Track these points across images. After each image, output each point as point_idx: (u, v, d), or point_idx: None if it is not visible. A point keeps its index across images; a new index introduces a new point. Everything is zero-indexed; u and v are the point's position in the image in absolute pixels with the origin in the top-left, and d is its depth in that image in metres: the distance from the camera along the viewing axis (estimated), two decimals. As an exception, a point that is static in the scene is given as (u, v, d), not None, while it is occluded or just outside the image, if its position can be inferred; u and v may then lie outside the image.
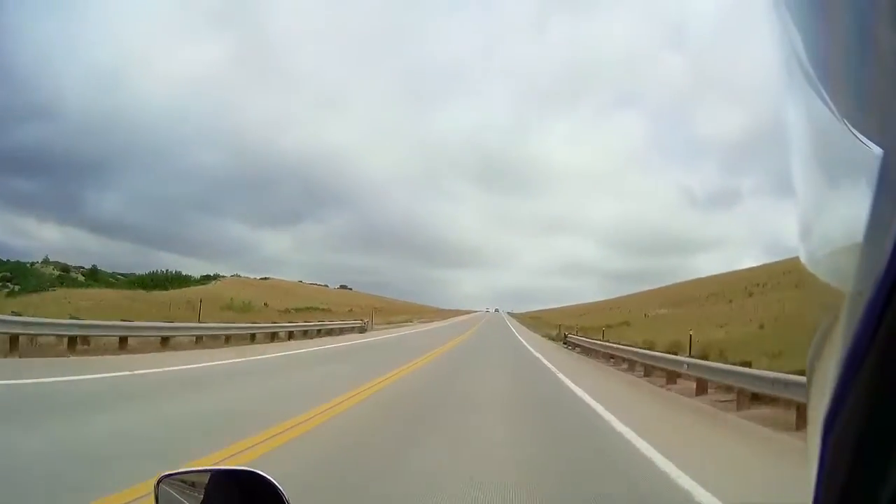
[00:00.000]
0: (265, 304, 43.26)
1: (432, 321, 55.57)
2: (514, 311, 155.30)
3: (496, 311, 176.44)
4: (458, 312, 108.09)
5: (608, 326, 32.61)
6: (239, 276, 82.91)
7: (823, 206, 0.37)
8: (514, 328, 50.36)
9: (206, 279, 69.56)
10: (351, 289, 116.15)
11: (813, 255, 0.37)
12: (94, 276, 71.11)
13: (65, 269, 72.56)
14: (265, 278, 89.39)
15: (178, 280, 63.91)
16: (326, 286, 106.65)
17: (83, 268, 75.49)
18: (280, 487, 0.75)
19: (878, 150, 0.28)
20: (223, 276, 76.05)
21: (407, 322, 47.01)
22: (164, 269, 69.50)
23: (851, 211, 0.31)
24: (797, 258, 0.38)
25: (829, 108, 0.31)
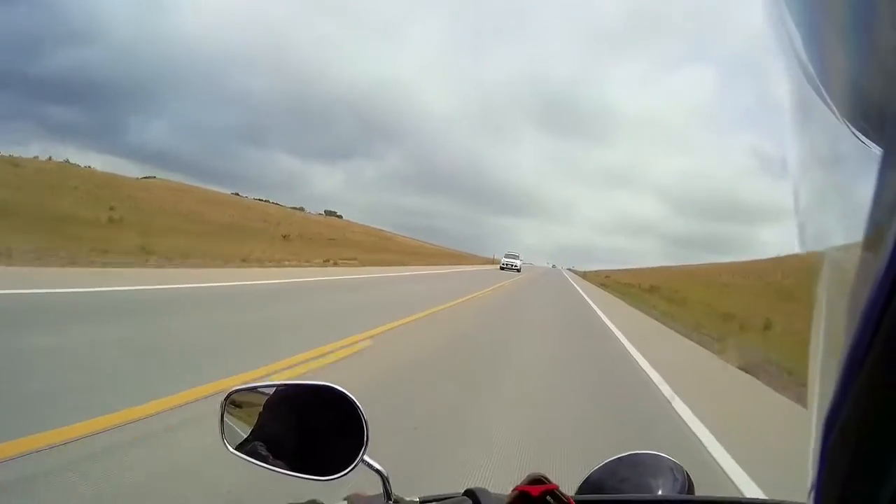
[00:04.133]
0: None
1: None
2: (576, 269, 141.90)
3: (553, 266, 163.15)
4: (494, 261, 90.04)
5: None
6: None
7: (823, 206, 0.37)
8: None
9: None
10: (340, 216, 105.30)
11: (812, 255, 0.37)
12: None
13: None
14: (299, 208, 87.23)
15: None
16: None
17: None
18: (354, 399, 0.73)
19: (878, 150, 0.28)
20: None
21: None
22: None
23: (851, 211, 0.31)
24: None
25: (829, 108, 0.31)
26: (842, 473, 0.32)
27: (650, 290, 29.49)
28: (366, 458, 0.73)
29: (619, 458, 0.98)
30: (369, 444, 0.73)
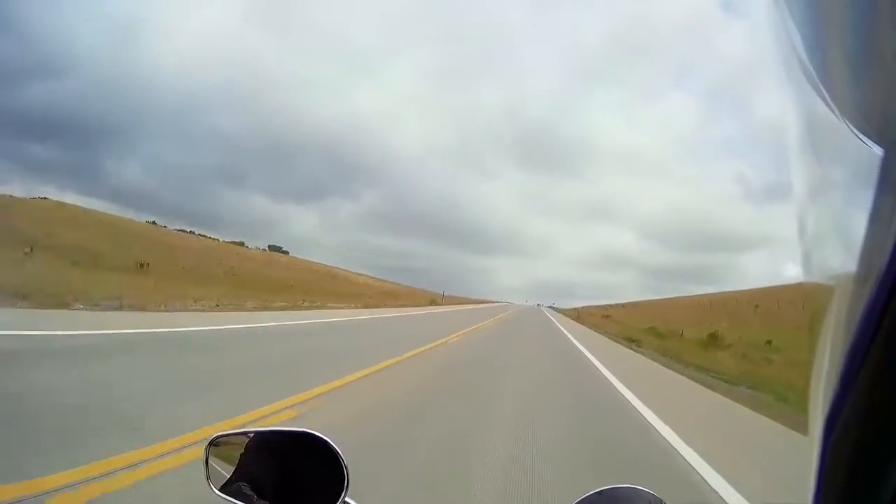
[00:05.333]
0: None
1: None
2: (558, 306, 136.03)
3: (537, 305, 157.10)
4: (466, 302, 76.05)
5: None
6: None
7: (823, 206, 0.37)
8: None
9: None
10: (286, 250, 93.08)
11: (812, 255, 0.37)
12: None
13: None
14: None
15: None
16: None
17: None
18: (334, 445, 0.75)
19: (878, 150, 0.29)
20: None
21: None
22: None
23: (852, 211, 0.31)
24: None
25: (830, 108, 0.32)
26: (842, 473, 0.32)
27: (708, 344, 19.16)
28: (347, 500, 0.74)
29: (598, 492, 0.96)
30: (350, 486, 0.74)
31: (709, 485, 3.53)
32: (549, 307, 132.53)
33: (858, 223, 0.30)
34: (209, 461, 0.82)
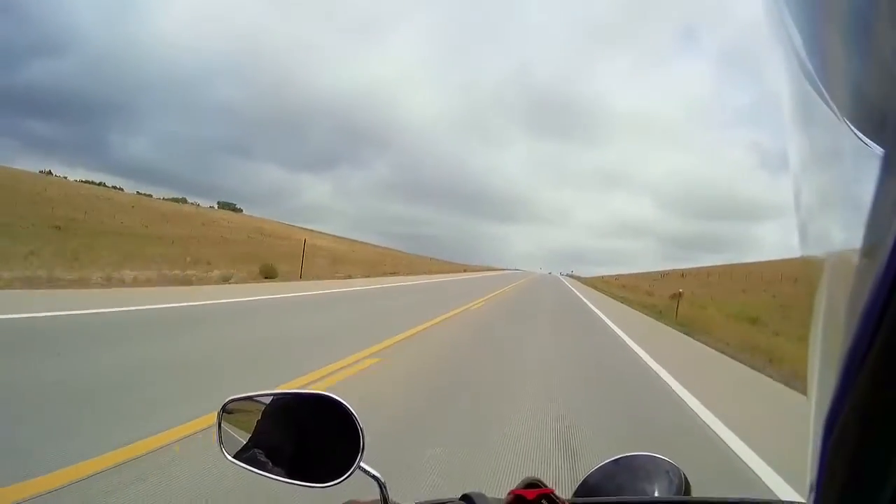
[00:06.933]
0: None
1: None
2: (578, 275, 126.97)
3: (549, 273, 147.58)
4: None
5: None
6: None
7: (823, 206, 0.37)
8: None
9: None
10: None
11: (812, 255, 0.38)
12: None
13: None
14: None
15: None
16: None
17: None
18: (350, 407, 0.75)
19: (878, 150, 0.29)
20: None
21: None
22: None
23: (852, 211, 0.31)
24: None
25: (830, 108, 0.32)
26: (842, 473, 0.32)
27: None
28: (362, 464, 0.73)
29: (615, 459, 0.98)
30: (365, 450, 0.74)
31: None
32: (568, 275, 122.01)
33: (858, 223, 0.30)
34: (222, 427, 0.82)
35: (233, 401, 0.85)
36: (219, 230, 40.95)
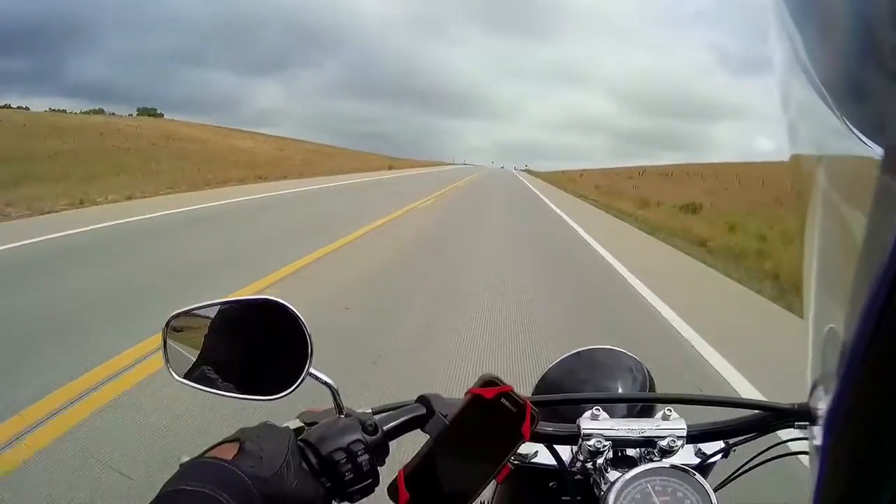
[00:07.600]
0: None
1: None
2: (533, 169, 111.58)
3: (502, 167, 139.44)
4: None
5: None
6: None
7: (823, 206, 0.37)
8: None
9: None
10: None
11: (812, 255, 0.37)
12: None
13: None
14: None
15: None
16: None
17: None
18: (296, 311, 0.72)
19: (878, 150, 0.28)
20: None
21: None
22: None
23: (851, 211, 0.31)
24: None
25: (830, 108, 0.31)
26: (842, 473, 0.33)
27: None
28: (313, 370, 0.71)
29: (575, 353, 0.97)
30: (314, 356, 0.71)
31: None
32: (523, 170, 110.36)
33: (858, 223, 0.29)
34: (168, 345, 0.77)
35: (176, 316, 0.79)
36: (116, 140, 35.18)
